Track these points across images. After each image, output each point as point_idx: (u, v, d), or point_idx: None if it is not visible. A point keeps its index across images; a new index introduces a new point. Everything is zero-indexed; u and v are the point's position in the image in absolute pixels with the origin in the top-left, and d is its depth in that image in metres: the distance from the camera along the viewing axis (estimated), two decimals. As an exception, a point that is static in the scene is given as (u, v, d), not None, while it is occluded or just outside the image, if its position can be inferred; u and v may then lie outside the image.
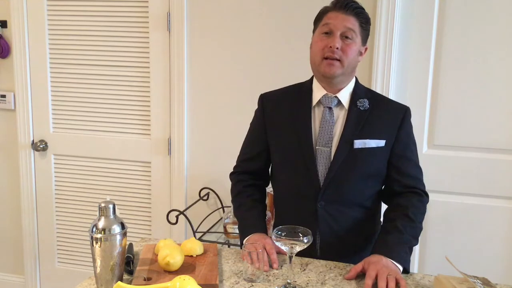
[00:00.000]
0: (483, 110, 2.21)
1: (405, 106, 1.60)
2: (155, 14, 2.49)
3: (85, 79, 2.65)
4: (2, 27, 2.68)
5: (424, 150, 2.28)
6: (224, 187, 2.50)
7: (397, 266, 1.38)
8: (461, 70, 2.21)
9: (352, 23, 1.48)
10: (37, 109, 2.74)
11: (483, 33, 2.16)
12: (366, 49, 1.57)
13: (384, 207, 1.67)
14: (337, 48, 1.46)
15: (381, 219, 1.69)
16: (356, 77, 1.60)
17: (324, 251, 1.56)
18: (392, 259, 1.39)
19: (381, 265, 1.34)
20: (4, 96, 2.75)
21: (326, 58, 1.48)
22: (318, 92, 1.57)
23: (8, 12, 2.66)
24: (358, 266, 1.39)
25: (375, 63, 2.23)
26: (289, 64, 2.35)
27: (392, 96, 2.22)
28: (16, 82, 2.71)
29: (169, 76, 2.52)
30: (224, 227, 2.25)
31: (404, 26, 2.23)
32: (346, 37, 1.48)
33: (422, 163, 1.63)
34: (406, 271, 1.42)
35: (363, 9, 1.52)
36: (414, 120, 1.62)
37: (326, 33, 1.49)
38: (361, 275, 1.39)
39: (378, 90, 2.18)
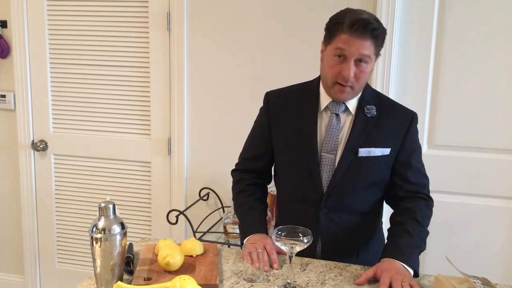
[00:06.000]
0: (483, 110, 2.21)
1: (412, 111, 1.57)
2: (155, 14, 2.49)
3: (85, 79, 2.65)
4: (2, 27, 2.68)
5: (424, 150, 2.28)
6: (224, 187, 2.50)
7: (408, 271, 1.36)
8: (461, 70, 2.21)
9: (367, 48, 1.39)
10: (37, 109, 2.74)
11: (483, 33, 2.16)
12: (379, 55, 1.50)
13: (385, 208, 1.67)
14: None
15: (383, 220, 1.68)
16: None
17: (325, 255, 1.56)
18: (404, 263, 1.37)
19: (394, 271, 1.32)
20: (4, 96, 2.75)
21: (337, 83, 1.45)
22: (326, 98, 1.54)
23: (8, 12, 2.66)
24: (370, 272, 1.35)
25: (375, 63, 2.22)
26: (289, 64, 2.35)
27: (392, 96, 2.22)
28: (16, 82, 2.71)
29: (169, 76, 2.52)
30: (224, 227, 2.24)
31: (404, 26, 2.23)
32: (360, 61, 1.42)
33: (422, 163, 1.62)
34: (416, 274, 1.40)
35: (381, 28, 1.42)
36: (414, 120, 1.61)
37: (339, 55, 1.42)
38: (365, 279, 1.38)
39: (378, 90, 2.17)
